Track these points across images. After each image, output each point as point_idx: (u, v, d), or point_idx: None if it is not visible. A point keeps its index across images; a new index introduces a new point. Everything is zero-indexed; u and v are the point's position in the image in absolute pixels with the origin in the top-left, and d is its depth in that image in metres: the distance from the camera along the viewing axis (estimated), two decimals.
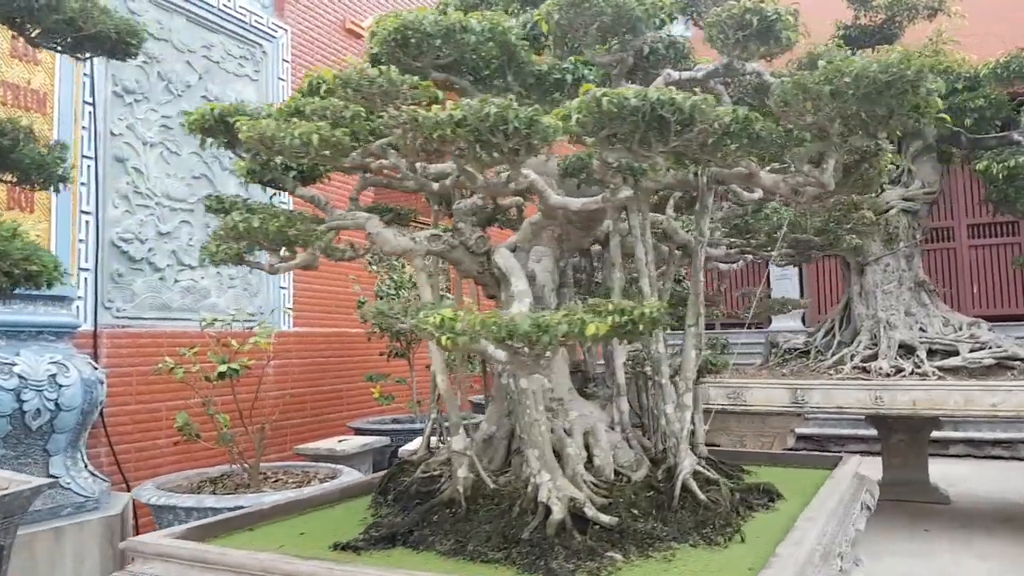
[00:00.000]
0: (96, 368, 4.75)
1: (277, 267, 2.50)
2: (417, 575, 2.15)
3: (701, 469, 2.91)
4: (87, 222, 5.06)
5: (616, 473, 3.01)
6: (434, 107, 1.96)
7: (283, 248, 2.48)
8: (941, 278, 12.20)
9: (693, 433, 3.95)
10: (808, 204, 3.93)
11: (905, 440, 7.39)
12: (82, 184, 5.04)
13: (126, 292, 5.43)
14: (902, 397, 5.78)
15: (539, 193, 2.31)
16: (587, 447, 3.07)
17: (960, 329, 6.52)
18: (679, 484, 2.77)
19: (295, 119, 2.18)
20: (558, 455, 2.97)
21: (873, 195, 3.43)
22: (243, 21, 6.31)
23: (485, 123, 1.89)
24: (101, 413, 5.08)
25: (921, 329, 6.57)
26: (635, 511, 2.74)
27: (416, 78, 2.10)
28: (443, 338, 2.01)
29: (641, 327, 2.09)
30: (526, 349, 1.94)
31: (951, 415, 5.91)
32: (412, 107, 1.98)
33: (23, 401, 4.24)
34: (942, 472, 8.41)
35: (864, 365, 6.30)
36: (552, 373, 3.14)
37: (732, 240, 3.76)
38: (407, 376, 6.61)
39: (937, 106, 2.42)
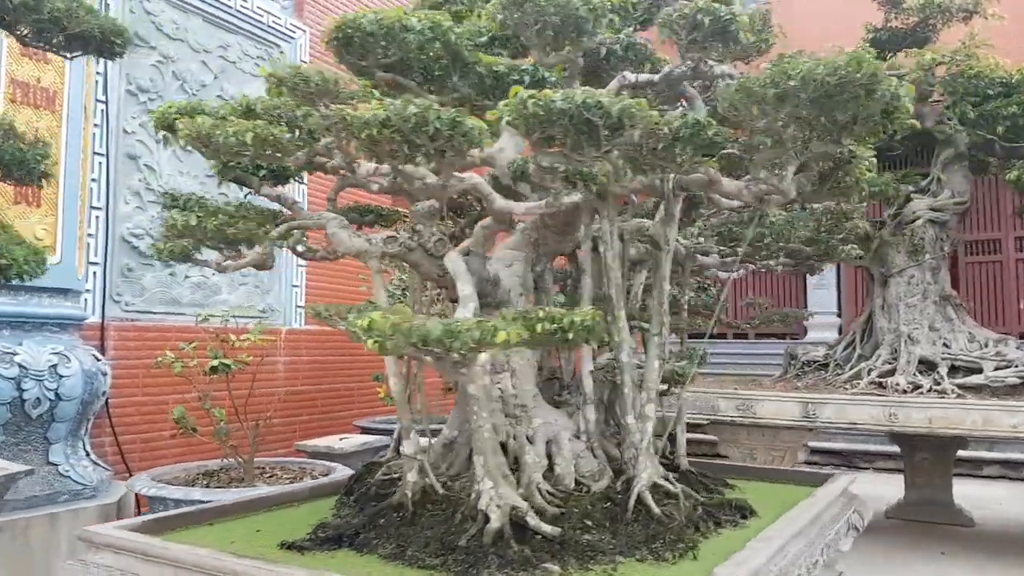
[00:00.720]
0: (99, 360, 4.86)
1: (224, 265, 2.50)
2: None
3: (662, 482, 2.83)
4: (97, 217, 5.17)
5: (577, 483, 2.96)
6: (361, 107, 1.94)
7: (242, 246, 2.49)
8: (985, 293, 11.77)
9: (674, 443, 3.87)
10: (794, 210, 3.81)
11: (929, 458, 7.14)
12: (92, 180, 5.16)
13: (135, 287, 5.54)
14: (917, 415, 5.57)
15: (483, 197, 2.27)
16: (549, 456, 3.02)
17: (986, 346, 6.27)
18: (634, 496, 2.70)
19: (233, 117, 2.18)
20: (516, 463, 2.93)
21: (862, 203, 3.28)
22: (260, 22, 6.40)
23: (408, 124, 1.86)
24: (106, 403, 5.19)
25: (945, 345, 6.33)
26: (588, 522, 2.68)
27: (349, 77, 2.08)
28: (370, 341, 1.99)
29: (571, 336, 2.04)
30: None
31: (972, 435, 5.67)
32: (341, 107, 1.97)
33: (23, 390, 4.35)
34: (973, 493, 8.11)
35: (881, 380, 6.10)
36: (516, 379, 3.10)
37: (721, 248, 3.66)
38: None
39: (907, 112, 2.31)
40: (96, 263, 5.24)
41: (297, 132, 2.20)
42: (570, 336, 2.03)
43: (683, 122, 2.19)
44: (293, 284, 6.69)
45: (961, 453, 9.22)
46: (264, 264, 2.61)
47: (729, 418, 6.21)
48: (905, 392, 5.87)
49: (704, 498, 3.15)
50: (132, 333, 5.43)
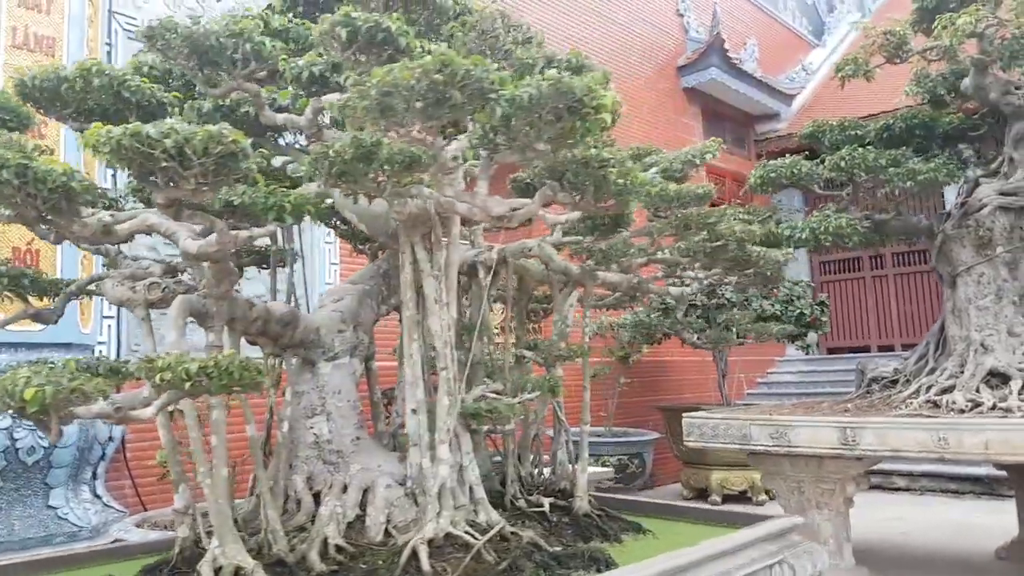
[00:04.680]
0: None
1: None
2: None
3: (459, 532, 2.55)
4: None
5: (390, 534, 2.74)
6: None
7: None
8: None
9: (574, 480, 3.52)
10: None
11: None
12: None
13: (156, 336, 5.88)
14: (971, 439, 4.69)
15: (165, 235, 2.18)
16: (365, 505, 2.83)
17: None
18: (407, 551, 2.45)
19: None
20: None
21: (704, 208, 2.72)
22: None
23: None
24: (123, 447, 5.55)
25: None
26: None
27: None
28: None
29: (189, 386, 1.88)
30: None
31: None
32: None
33: (15, 439, 4.73)
34: None
35: (937, 399, 5.22)
36: (333, 423, 2.94)
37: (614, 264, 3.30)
38: None
39: (603, 109, 1.95)
40: (111, 316, 5.64)
41: None
42: (189, 386, 1.87)
43: (349, 143, 1.99)
44: None
45: None
46: (45, 319, 2.67)
47: (763, 447, 5.56)
48: (963, 411, 4.99)
49: (559, 549, 2.83)
50: None
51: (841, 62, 5.92)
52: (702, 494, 9.26)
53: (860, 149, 5.77)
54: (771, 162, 6.06)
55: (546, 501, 3.30)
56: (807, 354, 10.43)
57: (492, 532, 2.64)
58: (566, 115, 1.93)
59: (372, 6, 2.20)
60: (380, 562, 2.55)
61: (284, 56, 2.20)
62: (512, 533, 2.76)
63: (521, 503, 3.26)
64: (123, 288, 2.56)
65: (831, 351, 14.28)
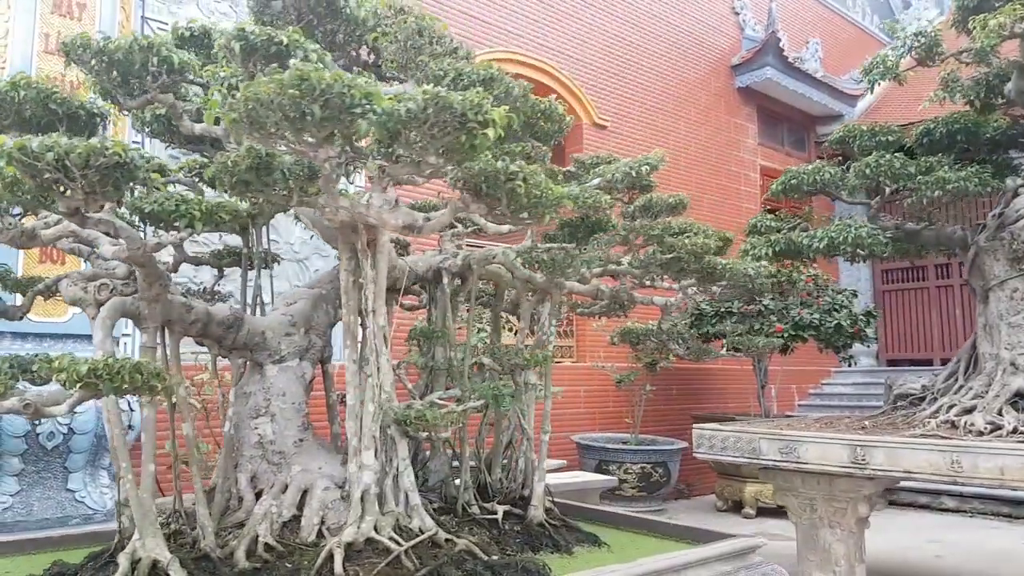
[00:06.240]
0: None
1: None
2: None
3: (380, 538, 2.58)
4: None
5: (322, 535, 2.79)
6: None
7: None
8: None
9: (528, 485, 3.50)
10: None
11: None
12: None
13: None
14: (986, 463, 4.45)
15: (91, 242, 2.27)
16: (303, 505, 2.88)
17: None
18: (323, 554, 2.49)
19: None
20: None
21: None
22: None
23: None
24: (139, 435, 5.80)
25: None
26: None
27: None
28: None
29: (80, 387, 1.96)
30: None
31: None
32: None
33: (36, 424, 5.00)
34: None
35: (956, 419, 4.96)
36: (276, 424, 3.00)
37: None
38: None
39: (495, 121, 1.93)
40: None
41: None
42: (82, 386, 1.95)
43: (243, 154, 2.04)
44: None
45: None
46: (11, 316, 2.81)
47: (772, 462, 5.40)
48: (981, 434, 4.72)
49: (496, 558, 2.83)
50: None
51: (868, 64, 5.68)
52: (737, 506, 9.04)
53: (887, 156, 5.53)
54: (793, 168, 5.87)
55: (500, 509, 3.30)
56: (849, 366, 10.03)
57: (419, 539, 2.65)
58: (454, 129, 1.93)
59: (291, 17, 2.25)
60: (306, 562, 2.60)
61: (211, 68, 2.28)
62: (447, 540, 2.77)
63: (474, 510, 3.27)
64: (76, 288, 2.67)
65: (891, 362, 13.73)
